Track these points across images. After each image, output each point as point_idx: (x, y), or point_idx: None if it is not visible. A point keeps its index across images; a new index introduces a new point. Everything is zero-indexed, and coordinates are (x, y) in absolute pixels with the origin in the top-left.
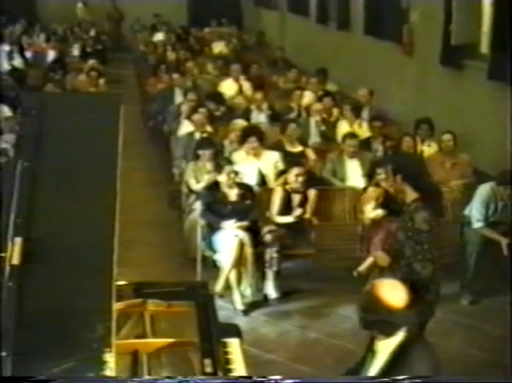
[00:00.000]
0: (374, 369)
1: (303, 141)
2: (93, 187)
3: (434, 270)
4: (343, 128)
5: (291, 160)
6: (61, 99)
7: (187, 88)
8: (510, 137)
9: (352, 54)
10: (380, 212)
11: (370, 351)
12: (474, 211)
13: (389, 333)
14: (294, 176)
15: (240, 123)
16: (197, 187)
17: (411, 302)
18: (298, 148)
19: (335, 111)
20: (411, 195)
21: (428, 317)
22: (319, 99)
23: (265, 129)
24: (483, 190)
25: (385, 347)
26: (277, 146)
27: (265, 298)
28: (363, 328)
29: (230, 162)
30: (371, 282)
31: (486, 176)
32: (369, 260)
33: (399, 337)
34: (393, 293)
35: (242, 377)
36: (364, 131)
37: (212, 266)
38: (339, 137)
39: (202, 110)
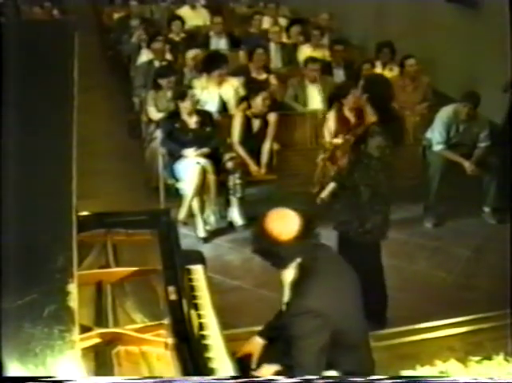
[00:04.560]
0: (285, 298)
1: (268, 68)
2: (49, 118)
3: (372, 196)
4: (305, 52)
5: (253, 87)
6: (15, 27)
7: (143, 17)
8: None
9: None
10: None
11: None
12: (436, 134)
13: (280, 266)
14: (262, 100)
15: (199, 51)
16: (157, 115)
17: (301, 234)
18: (263, 76)
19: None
20: (370, 117)
21: (378, 238)
22: (286, 29)
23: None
24: (444, 112)
25: (285, 277)
26: (243, 72)
27: (230, 225)
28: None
29: (189, 89)
30: (265, 212)
31: (448, 98)
32: (331, 185)
33: (293, 269)
34: (281, 224)
35: (236, 376)
36: (325, 55)
37: (175, 195)
38: (301, 62)
39: (160, 38)
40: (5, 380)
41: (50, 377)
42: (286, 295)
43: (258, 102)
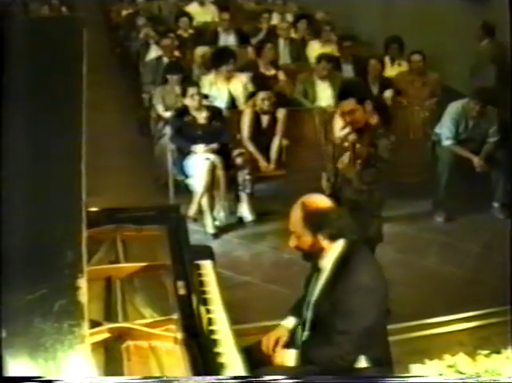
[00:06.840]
0: (320, 283)
1: (276, 64)
2: (58, 114)
3: (371, 194)
4: (314, 48)
5: (260, 83)
6: (23, 24)
7: (152, 14)
8: None
9: None
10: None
11: (316, 271)
12: (445, 129)
13: (335, 236)
14: (261, 100)
15: (208, 48)
16: (166, 112)
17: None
18: (272, 72)
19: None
20: (374, 118)
21: (375, 241)
22: (293, 24)
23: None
24: (453, 108)
25: (328, 261)
26: (252, 67)
27: (240, 221)
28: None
29: (196, 85)
30: (297, 204)
31: (457, 93)
32: None
33: (341, 245)
34: (318, 197)
35: (237, 377)
36: (334, 50)
37: (185, 191)
38: (311, 58)
39: (170, 34)
40: (5, 380)
41: (42, 377)
42: (327, 273)
43: (258, 102)
